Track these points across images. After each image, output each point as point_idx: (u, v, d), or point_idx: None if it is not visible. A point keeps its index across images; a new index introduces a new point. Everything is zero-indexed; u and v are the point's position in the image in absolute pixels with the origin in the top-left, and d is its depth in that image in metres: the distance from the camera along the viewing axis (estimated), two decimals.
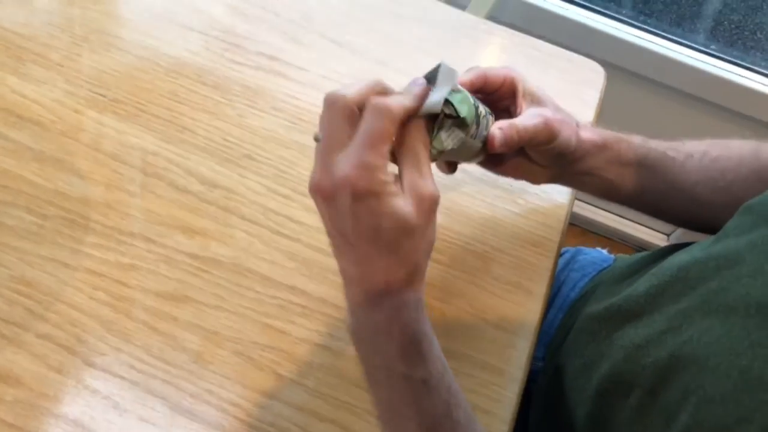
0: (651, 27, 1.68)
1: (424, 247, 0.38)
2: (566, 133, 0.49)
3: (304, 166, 0.61)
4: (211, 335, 0.52)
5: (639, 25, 1.20)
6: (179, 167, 0.60)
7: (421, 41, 0.72)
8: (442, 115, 0.39)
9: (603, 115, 0.72)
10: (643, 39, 1.18)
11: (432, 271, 0.57)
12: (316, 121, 0.64)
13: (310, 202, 0.59)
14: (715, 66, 1.17)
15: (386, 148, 0.35)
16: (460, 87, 0.41)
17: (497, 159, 0.52)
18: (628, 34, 1.18)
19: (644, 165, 0.54)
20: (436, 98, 0.38)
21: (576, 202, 0.66)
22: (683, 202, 0.56)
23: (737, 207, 0.48)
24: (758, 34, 1.76)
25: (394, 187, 0.36)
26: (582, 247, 0.81)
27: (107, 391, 0.49)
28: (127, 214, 0.56)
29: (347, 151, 0.35)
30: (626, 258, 0.72)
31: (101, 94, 0.62)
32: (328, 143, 0.36)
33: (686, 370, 0.39)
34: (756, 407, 0.35)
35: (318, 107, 0.66)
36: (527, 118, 0.47)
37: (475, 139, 0.43)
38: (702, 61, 1.17)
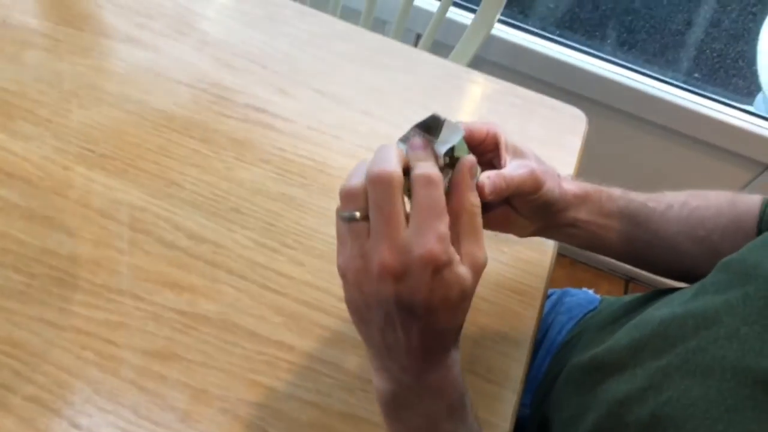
0: (636, 57, 1.72)
1: (464, 313, 0.39)
2: (550, 184, 0.50)
3: (292, 219, 0.62)
4: (198, 393, 0.52)
5: (620, 62, 1.23)
6: (167, 222, 0.60)
7: (405, 90, 0.73)
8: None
9: (586, 151, 0.73)
10: (623, 76, 1.20)
11: None
12: (304, 172, 0.65)
13: (298, 255, 0.60)
14: (693, 102, 1.20)
15: (447, 217, 0.36)
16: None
17: (484, 211, 0.52)
18: (609, 71, 1.20)
19: (626, 215, 0.56)
20: (442, 151, 0.39)
21: None
22: (666, 252, 0.57)
23: (718, 257, 0.50)
24: (740, 62, 1.81)
25: (456, 255, 0.37)
26: (569, 288, 0.82)
27: None
28: (115, 271, 0.57)
29: (419, 227, 0.35)
30: (611, 301, 0.73)
31: (90, 150, 0.63)
32: (393, 222, 0.35)
33: None
34: None
35: (304, 157, 0.67)
36: (513, 168, 0.49)
37: None
38: (681, 97, 1.20)
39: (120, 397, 0.51)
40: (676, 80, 1.22)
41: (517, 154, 0.51)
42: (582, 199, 0.54)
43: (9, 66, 0.68)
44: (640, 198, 0.56)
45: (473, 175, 0.39)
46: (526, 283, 0.61)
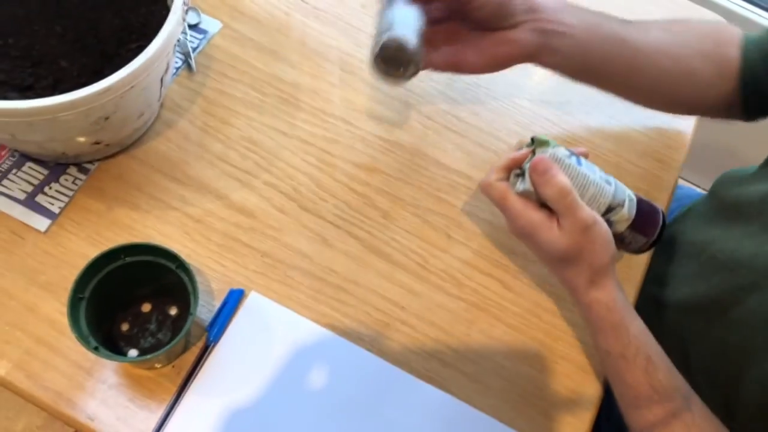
0: None
1: (597, 258, 0.52)
2: None
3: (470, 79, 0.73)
4: (396, 200, 0.65)
5: None
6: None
7: None
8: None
9: None
10: None
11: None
12: None
13: (475, 107, 0.71)
14: None
15: (510, 204, 0.54)
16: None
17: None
18: None
19: (601, 24, 0.59)
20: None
21: None
22: (646, 69, 0.60)
23: (692, 79, 0.60)
24: None
25: (547, 223, 0.53)
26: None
27: (318, 230, 0.62)
28: (329, 99, 0.69)
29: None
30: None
31: (304, 1, 0.75)
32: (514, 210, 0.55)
33: None
34: None
35: None
36: None
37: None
38: None
39: (336, 193, 0.64)
40: None
41: None
42: (564, 3, 0.57)
43: None
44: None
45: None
46: (663, 153, 0.71)
